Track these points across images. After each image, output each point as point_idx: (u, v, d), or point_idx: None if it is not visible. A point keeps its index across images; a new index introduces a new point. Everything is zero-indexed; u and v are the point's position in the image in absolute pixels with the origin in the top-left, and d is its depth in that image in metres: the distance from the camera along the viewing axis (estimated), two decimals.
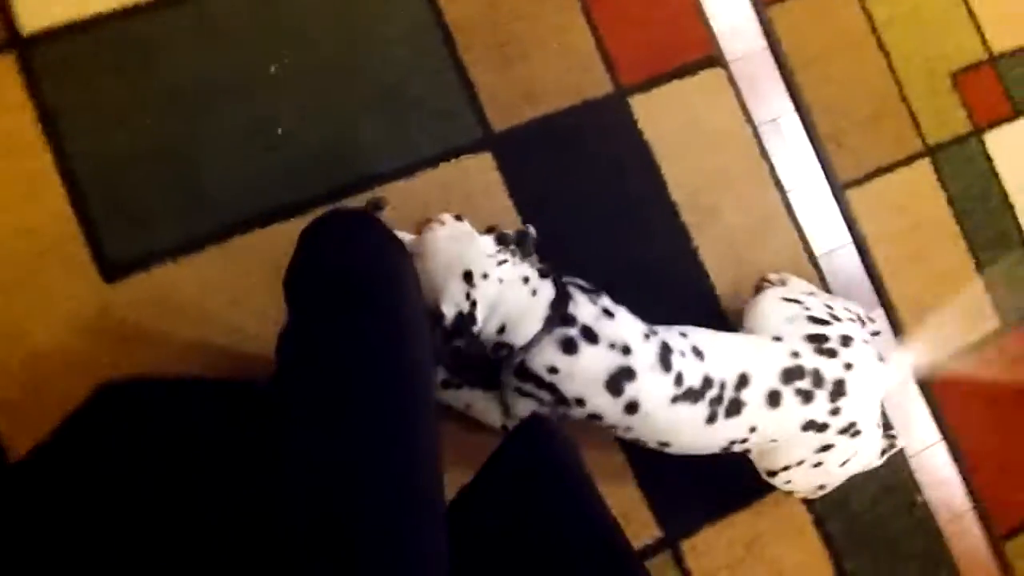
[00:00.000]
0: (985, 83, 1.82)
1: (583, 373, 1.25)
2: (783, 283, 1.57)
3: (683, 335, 1.34)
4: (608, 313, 1.28)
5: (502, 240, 1.30)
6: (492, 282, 1.23)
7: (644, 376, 1.26)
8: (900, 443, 1.55)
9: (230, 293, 1.38)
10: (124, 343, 1.33)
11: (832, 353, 1.35)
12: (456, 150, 1.51)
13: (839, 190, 1.70)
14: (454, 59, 1.54)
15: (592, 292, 1.31)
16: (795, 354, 1.34)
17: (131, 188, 1.37)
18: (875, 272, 1.69)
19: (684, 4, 1.68)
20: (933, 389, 1.68)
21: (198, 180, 1.40)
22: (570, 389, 1.26)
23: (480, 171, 1.52)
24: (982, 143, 1.80)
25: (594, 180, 1.57)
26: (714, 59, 1.67)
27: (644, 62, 1.64)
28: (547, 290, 1.27)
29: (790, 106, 1.71)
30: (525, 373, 1.27)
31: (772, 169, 1.67)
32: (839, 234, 1.70)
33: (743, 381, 1.30)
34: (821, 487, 1.47)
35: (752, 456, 1.44)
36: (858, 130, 1.73)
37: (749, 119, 1.67)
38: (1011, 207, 1.79)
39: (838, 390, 1.33)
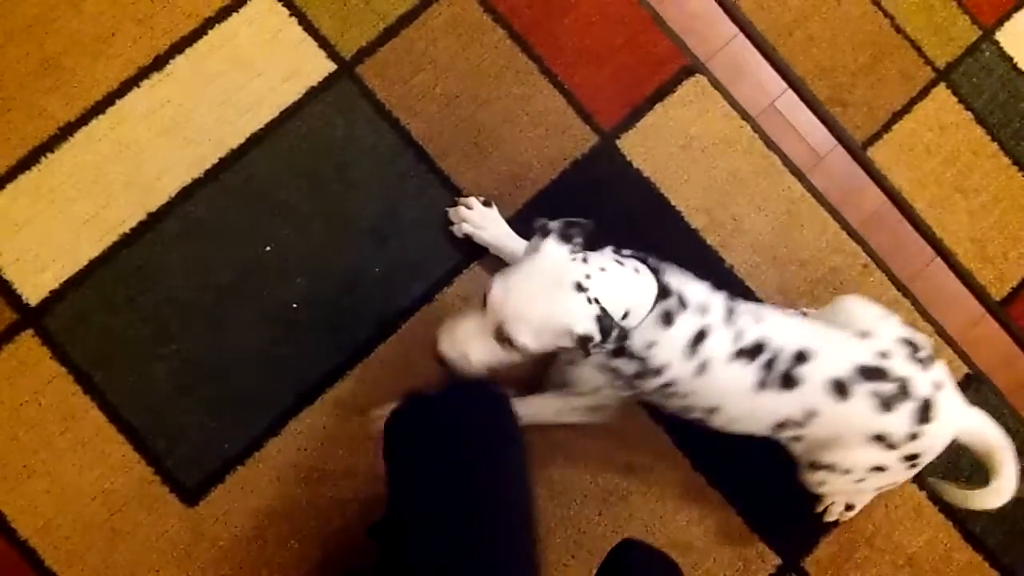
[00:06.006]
0: None
1: (673, 342, 1.19)
2: None
3: (743, 300, 1.27)
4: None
5: (566, 236, 1.16)
6: (598, 277, 1.12)
7: (714, 333, 1.20)
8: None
9: (303, 475, 1.42)
10: (225, 558, 1.40)
11: (925, 364, 1.24)
12: (466, 259, 1.50)
13: (859, 151, 1.62)
14: (434, 172, 1.50)
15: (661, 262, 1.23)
16: (883, 355, 1.23)
17: (182, 412, 1.41)
18: (921, 223, 1.60)
19: (639, 20, 1.59)
20: None
21: (239, 382, 1.43)
22: (659, 358, 1.20)
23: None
24: (995, 44, 1.67)
25: (608, 237, 1.52)
26: (690, 68, 1.58)
27: (620, 98, 1.57)
28: (636, 263, 1.19)
29: (783, 84, 1.61)
30: (620, 351, 1.20)
31: (783, 157, 1.59)
32: (872, 197, 1.62)
33: (801, 356, 1.21)
34: (850, 507, 1.43)
35: (797, 447, 1.33)
36: (860, 81, 1.63)
37: (745, 115, 1.59)
38: None
39: (925, 411, 1.21)
